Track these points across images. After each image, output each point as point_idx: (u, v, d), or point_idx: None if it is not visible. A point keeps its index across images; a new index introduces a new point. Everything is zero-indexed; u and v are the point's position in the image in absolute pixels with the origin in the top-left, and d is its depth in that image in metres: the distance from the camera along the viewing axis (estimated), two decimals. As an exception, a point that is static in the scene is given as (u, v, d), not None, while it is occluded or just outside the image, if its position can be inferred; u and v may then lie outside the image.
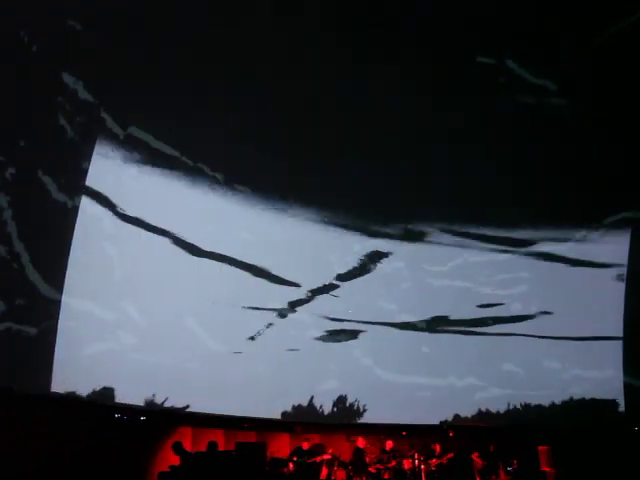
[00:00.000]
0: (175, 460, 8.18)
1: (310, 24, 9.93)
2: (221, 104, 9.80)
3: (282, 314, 10.23)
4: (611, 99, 10.75)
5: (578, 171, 10.99)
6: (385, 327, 10.92)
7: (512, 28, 10.41)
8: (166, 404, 8.94)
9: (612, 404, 11.24)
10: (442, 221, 11.26)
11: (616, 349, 11.63)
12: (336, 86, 10.26)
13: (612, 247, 11.51)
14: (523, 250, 11.70)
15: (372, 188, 10.72)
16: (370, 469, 9.52)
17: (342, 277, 10.77)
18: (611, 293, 11.39)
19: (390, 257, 11.08)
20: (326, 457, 9.47)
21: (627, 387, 11.26)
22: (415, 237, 11.23)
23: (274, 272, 10.27)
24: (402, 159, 10.75)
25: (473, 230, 11.38)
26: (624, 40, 9.96)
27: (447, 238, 11.31)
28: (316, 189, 10.68)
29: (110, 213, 9.06)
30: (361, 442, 9.95)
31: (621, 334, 11.55)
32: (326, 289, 10.63)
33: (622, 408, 11.17)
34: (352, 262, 10.90)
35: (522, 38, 10.60)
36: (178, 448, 8.23)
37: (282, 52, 9.92)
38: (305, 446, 9.72)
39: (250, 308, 10.02)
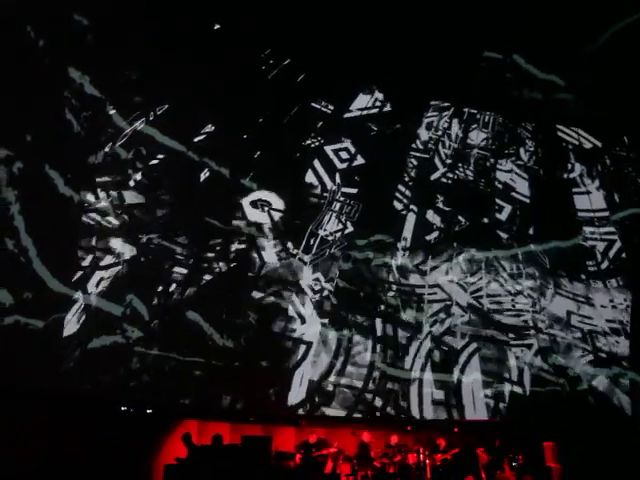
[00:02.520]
0: (181, 453, 8.23)
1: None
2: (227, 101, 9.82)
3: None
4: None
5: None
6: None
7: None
8: (172, 397, 8.99)
9: (618, 401, 11.20)
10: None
11: (623, 346, 11.60)
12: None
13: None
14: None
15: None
16: (375, 463, 9.51)
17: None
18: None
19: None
20: (332, 451, 9.46)
21: (633, 384, 11.22)
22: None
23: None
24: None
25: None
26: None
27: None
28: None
29: (116, 207, 9.10)
30: (366, 436, 9.92)
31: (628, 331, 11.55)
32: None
33: (628, 405, 11.14)
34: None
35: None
36: (187, 440, 8.26)
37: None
38: (312, 439, 9.71)
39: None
